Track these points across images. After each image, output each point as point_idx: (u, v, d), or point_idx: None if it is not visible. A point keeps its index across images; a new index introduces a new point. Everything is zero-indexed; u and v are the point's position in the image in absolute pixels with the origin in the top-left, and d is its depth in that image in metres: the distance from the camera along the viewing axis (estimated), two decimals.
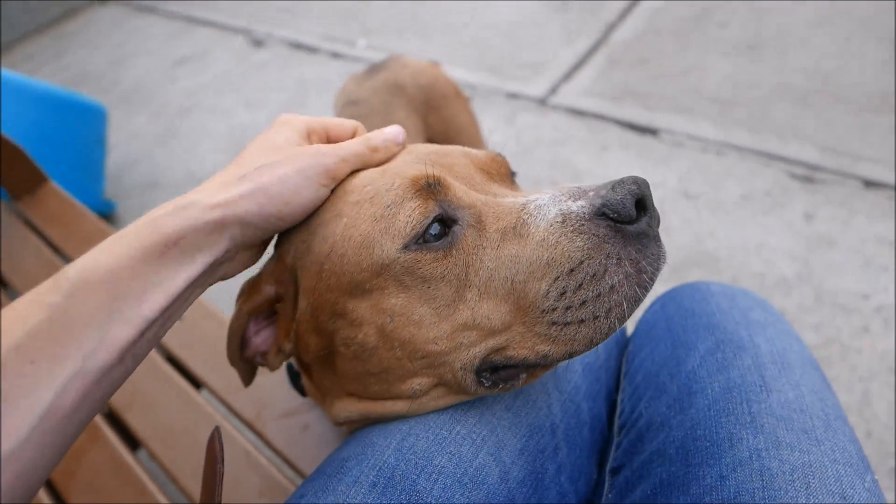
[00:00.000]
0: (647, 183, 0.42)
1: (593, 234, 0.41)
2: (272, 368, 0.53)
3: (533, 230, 0.43)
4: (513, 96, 2.16)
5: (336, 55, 2.74)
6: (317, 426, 0.75)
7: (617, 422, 0.60)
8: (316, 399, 0.61)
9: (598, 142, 1.88)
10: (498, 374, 0.47)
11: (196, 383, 0.86)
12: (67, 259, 1.11)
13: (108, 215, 2.21)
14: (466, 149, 0.52)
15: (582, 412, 0.56)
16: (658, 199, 1.65)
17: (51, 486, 0.80)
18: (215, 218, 0.42)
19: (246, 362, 0.55)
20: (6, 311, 0.37)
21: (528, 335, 0.43)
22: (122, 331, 0.38)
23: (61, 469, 0.80)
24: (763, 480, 0.44)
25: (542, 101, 2.10)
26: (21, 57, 3.67)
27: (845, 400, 1.14)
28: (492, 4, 2.69)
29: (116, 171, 2.44)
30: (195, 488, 0.73)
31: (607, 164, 1.80)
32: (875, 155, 1.58)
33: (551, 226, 0.42)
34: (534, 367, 0.46)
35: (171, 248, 0.40)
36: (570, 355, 0.42)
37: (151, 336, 0.40)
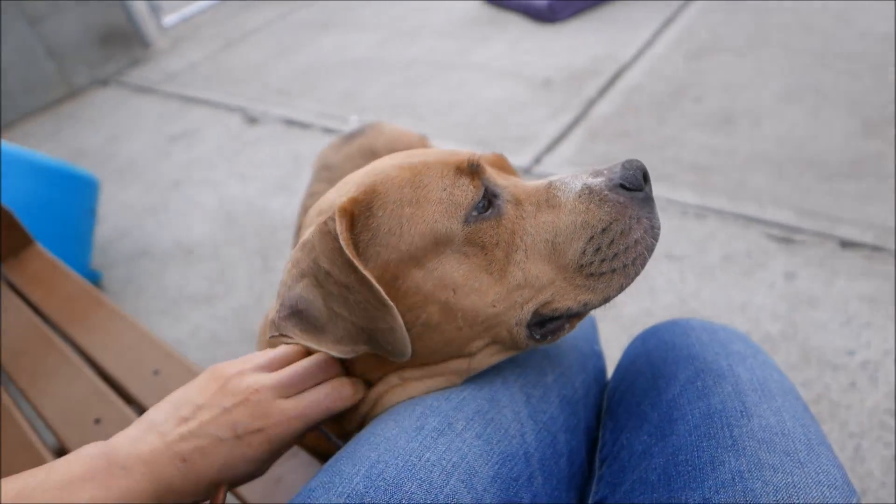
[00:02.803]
0: (642, 163, 0.53)
1: (616, 202, 0.51)
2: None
3: (563, 201, 0.52)
4: None
5: (328, 130, 2.83)
6: (289, 478, 0.72)
7: (598, 455, 0.58)
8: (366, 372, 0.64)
9: None
10: (545, 326, 0.54)
11: None
12: (48, 321, 1.10)
13: (94, 284, 2.20)
14: (470, 151, 0.58)
15: (559, 443, 0.55)
16: None
17: None
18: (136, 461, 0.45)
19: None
20: None
21: (569, 288, 0.51)
22: None
23: None
24: (747, 501, 0.43)
25: (527, 170, 2.16)
26: (20, 134, 3.76)
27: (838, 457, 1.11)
28: (482, 87, 2.82)
29: (105, 242, 2.45)
30: None
31: None
32: (850, 217, 1.63)
33: (579, 196, 0.52)
34: (574, 317, 0.54)
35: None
36: (607, 300, 0.51)
37: None
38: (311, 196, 1.08)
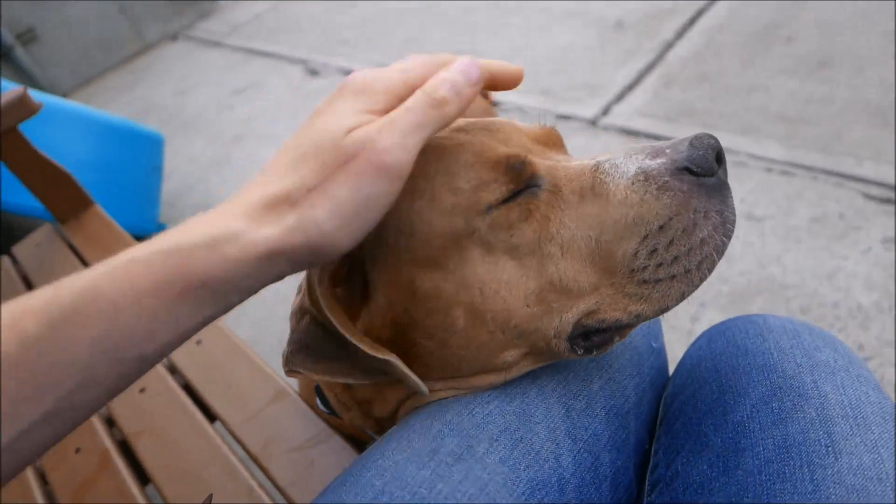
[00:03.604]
0: (717, 138, 0.42)
1: (679, 190, 0.41)
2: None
3: (612, 188, 0.42)
4: (564, 118, 2.10)
5: None
6: (322, 462, 0.69)
7: (649, 478, 0.51)
8: (344, 413, 0.57)
9: None
10: (591, 339, 0.45)
11: (210, 416, 0.82)
12: None
13: None
14: (515, 122, 0.49)
15: (601, 465, 0.47)
16: None
17: None
18: (259, 258, 0.33)
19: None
20: None
21: (618, 296, 0.42)
22: (111, 370, 0.32)
23: (69, 497, 0.78)
24: None
25: (593, 122, 2.02)
26: (100, 89, 3.89)
27: None
28: (548, 31, 2.65)
29: (173, 196, 2.51)
30: None
31: None
32: None
33: (633, 184, 0.42)
34: (625, 328, 0.45)
35: (198, 288, 0.33)
36: (663, 311, 0.42)
37: (143, 370, 0.34)
38: None
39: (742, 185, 1.61)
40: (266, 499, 0.68)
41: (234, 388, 0.82)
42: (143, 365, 0.33)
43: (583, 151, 1.92)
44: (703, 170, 0.40)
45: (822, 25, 2.07)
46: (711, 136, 0.41)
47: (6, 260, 1.30)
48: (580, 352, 0.45)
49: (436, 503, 0.39)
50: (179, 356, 0.89)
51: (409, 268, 0.44)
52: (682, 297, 0.41)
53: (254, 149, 2.63)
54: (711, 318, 1.33)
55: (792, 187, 1.56)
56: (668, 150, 0.42)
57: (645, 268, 0.41)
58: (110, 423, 0.87)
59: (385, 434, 0.49)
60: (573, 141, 1.98)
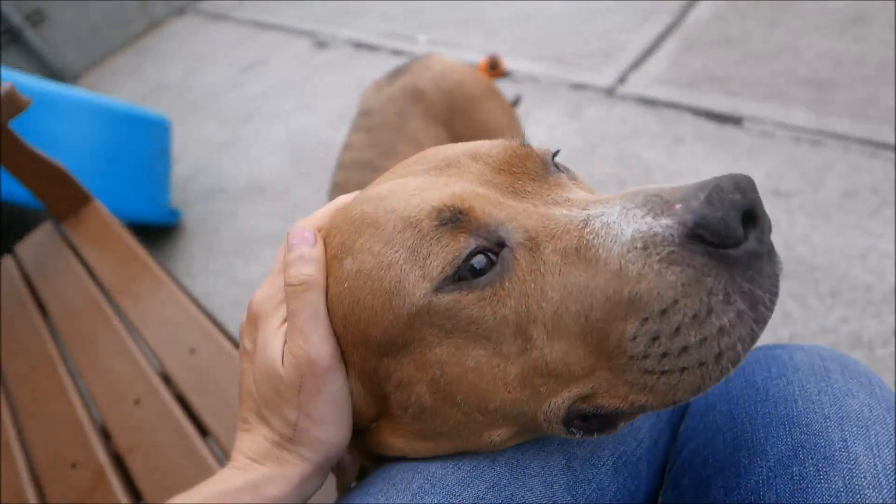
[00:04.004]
0: (751, 182, 0.31)
1: (688, 265, 0.31)
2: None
3: (603, 255, 0.33)
4: (578, 87, 2.00)
5: (396, 52, 2.66)
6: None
7: None
8: (375, 446, 0.53)
9: (671, 134, 1.69)
10: (590, 422, 0.38)
11: (203, 429, 0.80)
12: (100, 284, 1.09)
13: (175, 225, 2.25)
14: (474, 148, 0.41)
15: None
16: None
17: None
18: (295, 487, 0.41)
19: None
20: None
21: (617, 383, 0.35)
22: None
23: None
24: None
25: (609, 92, 1.92)
26: (108, 71, 3.86)
27: None
28: None
29: (184, 180, 2.48)
30: None
31: (681, 158, 1.61)
32: None
33: (629, 252, 0.32)
34: (629, 415, 0.38)
35: None
36: (673, 404, 0.35)
37: None
38: (348, 149, 0.96)
39: (768, 157, 1.51)
40: None
41: (225, 401, 0.80)
42: None
43: (598, 124, 1.83)
44: (722, 239, 0.30)
45: None
46: (738, 186, 0.30)
47: (8, 260, 1.29)
48: (578, 435, 0.38)
49: None
50: (173, 364, 0.87)
51: (364, 342, 0.40)
52: (698, 391, 0.33)
53: (263, 128, 2.58)
54: None
55: (822, 158, 1.46)
56: (678, 206, 0.32)
57: (646, 356, 0.33)
58: (106, 435, 0.85)
59: (365, 481, 0.45)
60: (588, 113, 1.89)
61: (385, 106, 0.97)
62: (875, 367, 1.09)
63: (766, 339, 1.19)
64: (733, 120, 1.65)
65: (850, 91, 1.59)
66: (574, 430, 0.38)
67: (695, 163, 1.58)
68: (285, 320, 0.41)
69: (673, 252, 0.31)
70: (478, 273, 0.35)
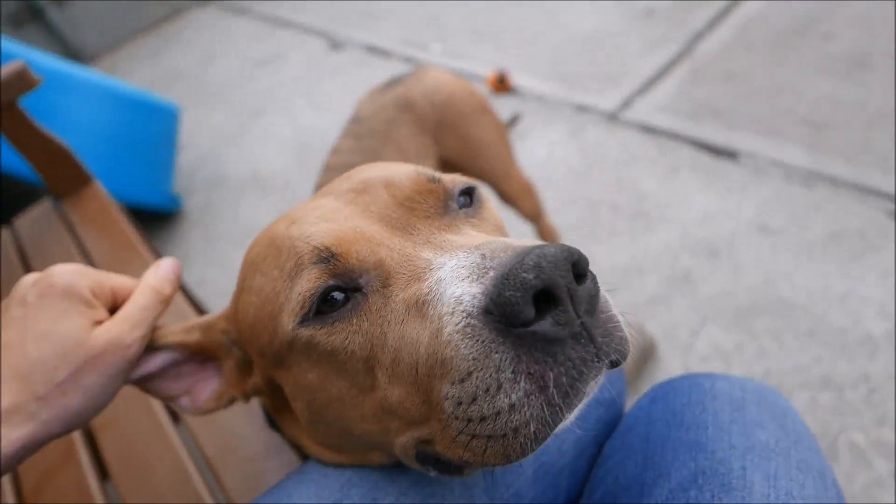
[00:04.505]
0: (565, 259, 0.30)
1: (479, 340, 0.31)
2: (200, 412, 0.50)
3: (431, 313, 0.34)
4: (582, 109, 2.03)
5: (408, 59, 2.70)
6: (271, 477, 0.69)
7: None
8: (294, 439, 0.57)
9: (669, 163, 1.72)
10: (441, 464, 0.39)
11: (175, 415, 0.82)
12: (91, 263, 1.11)
13: (176, 211, 2.28)
14: (390, 175, 0.43)
15: None
16: (729, 231, 1.47)
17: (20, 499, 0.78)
18: (17, 451, 0.40)
19: (138, 384, 0.50)
20: None
21: (446, 435, 0.35)
22: None
23: (33, 483, 0.79)
24: None
25: (612, 116, 1.95)
26: (126, 55, 3.91)
27: None
28: (573, 13, 2.56)
29: (189, 168, 2.52)
30: None
31: (675, 187, 1.63)
32: None
33: (445, 315, 0.33)
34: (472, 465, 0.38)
35: None
36: (493, 465, 0.34)
37: None
38: (335, 153, 0.99)
39: (759, 192, 1.54)
40: None
41: None
42: None
43: (598, 147, 1.85)
44: (507, 318, 0.30)
45: (863, 22, 1.95)
46: (539, 266, 0.30)
47: (5, 232, 1.32)
48: (433, 473, 0.40)
49: None
50: None
51: (257, 351, 0.44)
52: (507, 459, 0.33)
53: (271, 124, 2.61)
54: (712, 334, 1.29)
55: (811, 198, 1.48)
56: (490, 274, 0.32)
57: (457, 417, 0.33)
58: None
59: (305, 466, 0.48)
60: (590, 134, 1.91)
61: (376, 114, 0.99)
62: (843, 410, 1.11)
63: (739, 372, 1.21)
64: (729, 153, 1.67)
65: (846, 134, 1.61)
66: (429, 469, 0.40)
67: (688, 193, 1.60)
68: (102, 312, 0.45)
69: (468, 325, 0.32)
70: (331, 310, 0.38)
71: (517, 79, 2.25)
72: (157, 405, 0.82)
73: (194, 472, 0.72)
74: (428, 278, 0.35)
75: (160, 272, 0.48)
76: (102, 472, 0.79)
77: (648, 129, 1.85)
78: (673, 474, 0.42)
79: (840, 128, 1.63)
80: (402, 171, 0.44)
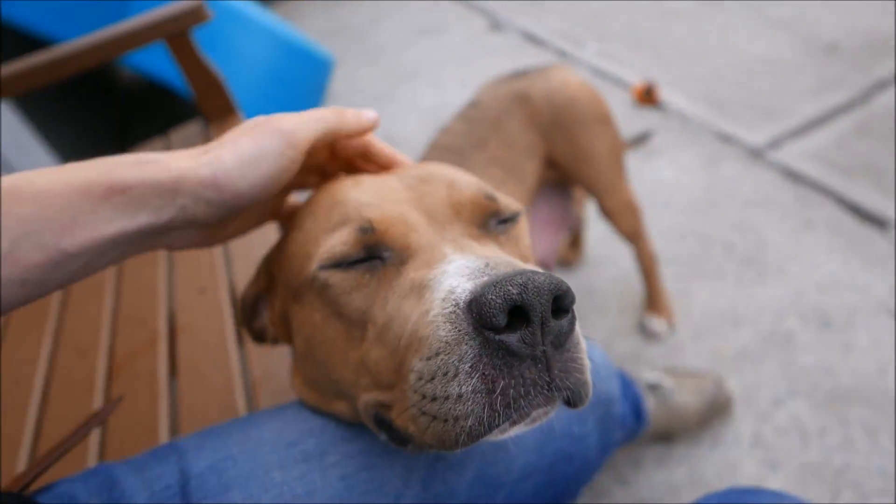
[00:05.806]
0: (551, 290, 0.33)
1: (456, 327, 0.35)
2: (270, 343, 0.58)
3: (428, 297, 0.38)
4: (725, 138, 1.91)
5: (562, 53, 2.66)
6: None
7: None
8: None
9: (805, 215, 1.58)
10: (392, 432, 0.43)
11: (241, 338, 0.91)
12: None
13: None
14: (456, 179, 0.48)
15: None
16: (851, 305, 1.33)
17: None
18: (171, 180, 0.40)
19: (254, 331, 0.59)
20: None
21: (403, 405, 0.39)
22: (32, 254, 0.35)
23: (119, 360, 0.91)
24: None
25: (756, 152, 1.82)
26: (305, 3, 4.18)
27: None
28: (745, 35, 2.39)
29: None
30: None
31: (804, 243, 1.50)
32: None
33: (436, 301, 0.37)
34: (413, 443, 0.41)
35: (116, 194, 0.38)
36: (429, 446, 0.38)
37: (64, 273, 0.38)
38: (445, 133, 1.01)
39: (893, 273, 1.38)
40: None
41: None
42: (63, 259, 0.37)
43: (730, 182, 1.74)
44: (481, 319, 0.33)
45: None
46: (525, 286, 0.32)
47: (161, 142, 1.50)
48: (382, 437, 0.44)
49: (263, 489, 0.43)
50: (182, 303, 0.98)
51: (284, 281, 0.50)
52: (441, 443, 0.36)
53: (418, 92, 2.70)
54: (798, 408, 1.19)
55: None
56: (485, 278, 0.35)
57: (414, 391, 0.36)
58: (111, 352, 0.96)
59: (290, 403, 0.54)
60: (725, 167, 1.80)
61: (493, 102, 1.01)
62: None
63: (816, 458, 1.11)
64: (878, 221, 1.50)
65: None
66: (381, 432, 0.44)
67: (817, 252, 1.47)
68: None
69: (455, 312, 0.35)
70: (352, 263, 0.43)
71: (665, 94, 2.15)
72: (229, 325, 0.91)
73: (239, 389, 0.80)
74: (437, 268, 0.39)
75: (357, 110, 0.50)
76: (173, 368, 0.89)
77: (792, 175, 1.70)
78: None
79: None
80: (467, 180, 0.49)
